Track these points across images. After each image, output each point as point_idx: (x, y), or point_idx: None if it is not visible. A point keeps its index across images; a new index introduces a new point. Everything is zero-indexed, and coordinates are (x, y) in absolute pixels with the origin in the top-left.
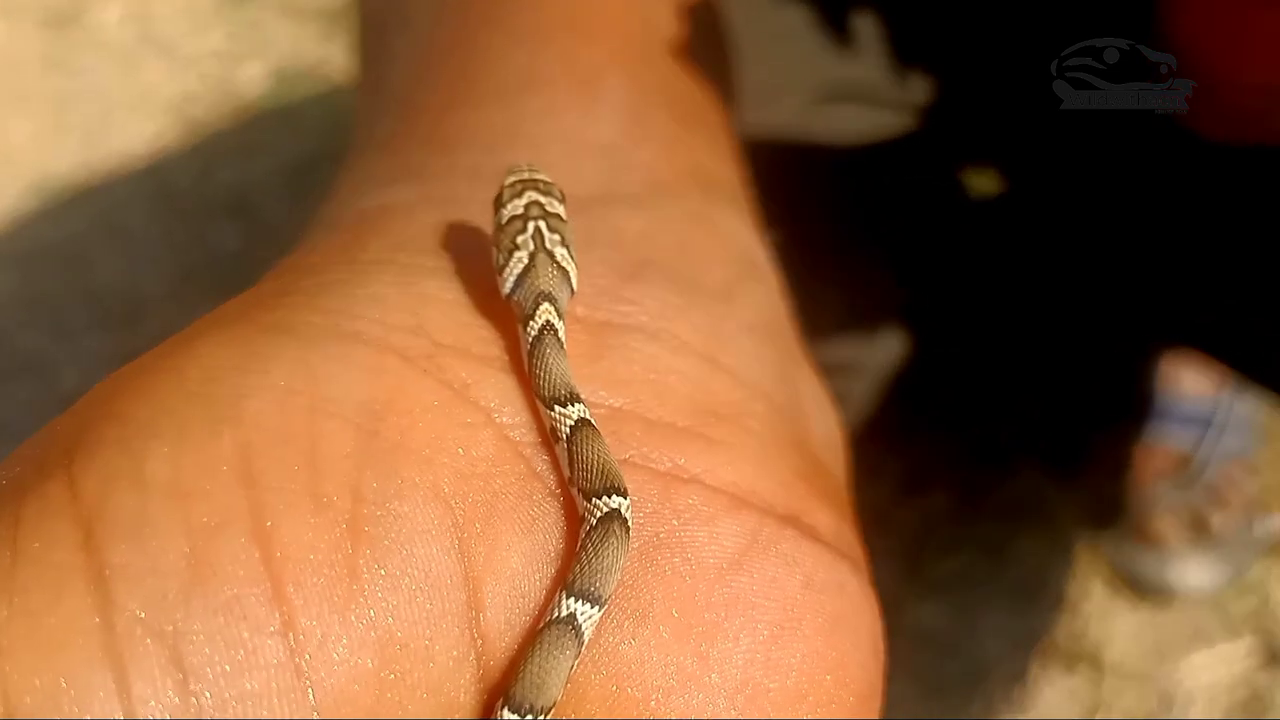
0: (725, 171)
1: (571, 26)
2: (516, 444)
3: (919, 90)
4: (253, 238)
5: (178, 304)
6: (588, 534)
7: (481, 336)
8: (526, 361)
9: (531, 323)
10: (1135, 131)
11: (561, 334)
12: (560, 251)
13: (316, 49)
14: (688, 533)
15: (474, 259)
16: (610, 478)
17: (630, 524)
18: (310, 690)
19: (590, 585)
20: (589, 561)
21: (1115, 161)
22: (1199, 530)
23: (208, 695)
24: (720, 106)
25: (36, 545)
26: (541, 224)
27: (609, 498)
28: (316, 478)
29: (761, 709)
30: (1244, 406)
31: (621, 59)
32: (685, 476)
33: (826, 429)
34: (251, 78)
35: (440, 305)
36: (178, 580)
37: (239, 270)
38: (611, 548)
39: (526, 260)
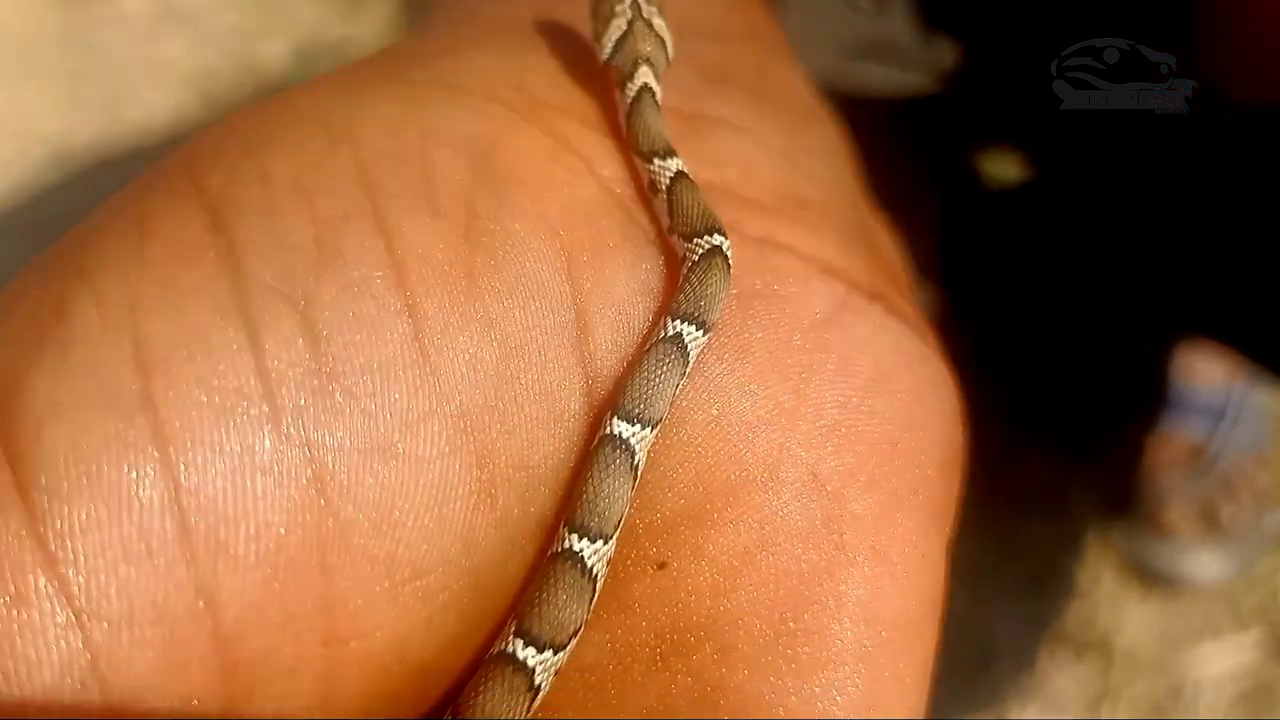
0: (782, 44)
1: None
2: (617, 195)
3: (946, 55)
4: None
5: None
6: (691, 267)
7: (580, 101)
8: (624, 120)
9: (630, 84)
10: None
11: (659, 96)
12: (658, 21)
13: (339, 28)
14: (783, 287)
15: (566, 42)
16: (710, 220)
17: (730, 261)
18: (434, 373)
19: (695, 310)
20: (693, 289)
21: (1145, 134)
22: (1210, 522)
23: (338, 360)
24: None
25: (164, 226)
26: None
27: (710, 236)
28: (432, 191)
29: (855, 449)
30: (1258, 398)
31: None
32: (777, 242)
33: (897, 257)
34: (273, 55)
35: (540, 73)
36: (306, 258)
37: None
38: (715, 278)
39: (625, 27)
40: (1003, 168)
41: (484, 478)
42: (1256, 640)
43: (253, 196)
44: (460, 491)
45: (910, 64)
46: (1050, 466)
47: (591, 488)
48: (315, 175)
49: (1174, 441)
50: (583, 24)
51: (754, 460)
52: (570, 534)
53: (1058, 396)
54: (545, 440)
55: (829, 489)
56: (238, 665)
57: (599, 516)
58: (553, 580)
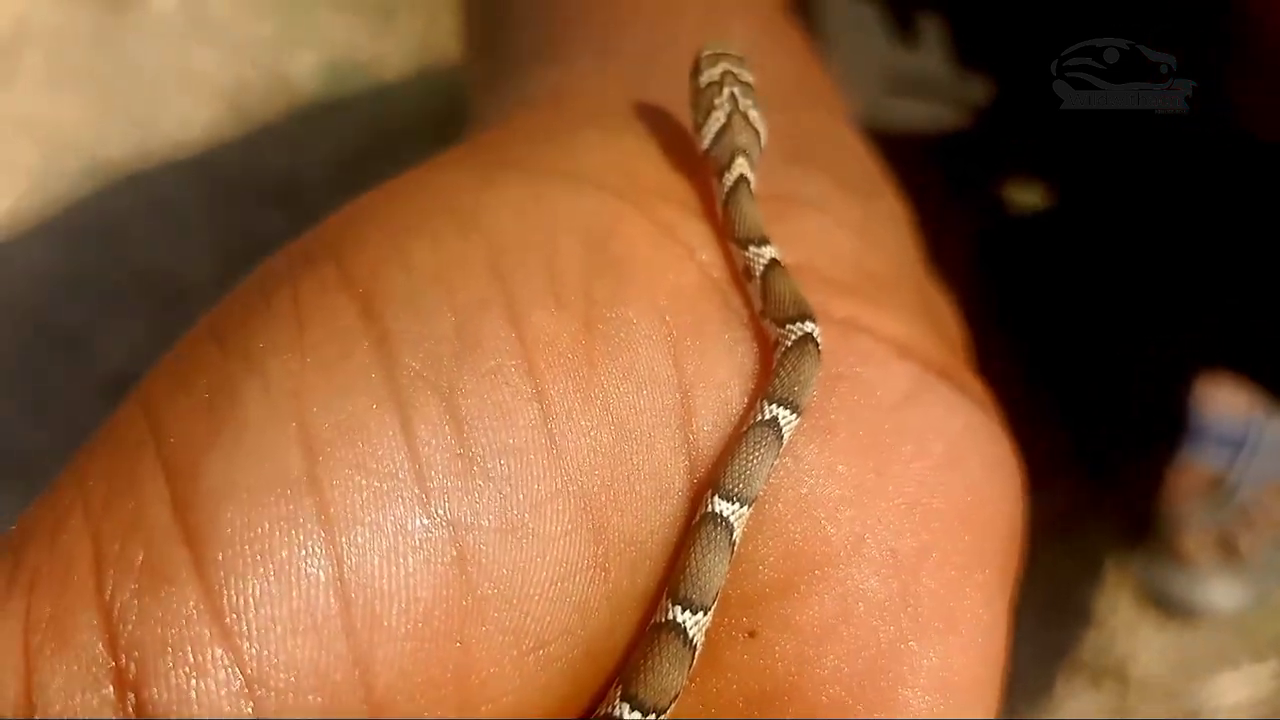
0: (837, 102)
1: None
2: (714, 280)
3: (979, 90)
4: (299, 226)
5: (221, 287)
6: (785, 352)
7: (679, 186)
8: (721, 208)
9: (728, 174)
10: (1191, 135)
11: (753, 185)
12: (753, 114)
13: (370, 44)
14: (865, 369)
15: (661, 126)
16: (801, 306)
17: (821, 347)
18: (559, 455)
19: (789, 394)
20: (788, 374)
21: (1169, 168)
22: (1228, 551)
23: (478, 444)
24: (821, 61)
25: (320, 314)
26: (736, 90)
27: (802, 323)
28: (554, 281)
29: (930, 526)
30: (1278, 429)
31: (743, 6)
32: (859, 325)
33: (957, 327)
34: (304, 70)
35: (642, 158)
36: (450, 347)
37: None
38: (808, 364)
39: (724, 119)
40: (1026, 195)
41: (599, 553)
42: (1274, 671)
43: (398, 286)
44: (579, 567)
45: (945, 99)
46: (1070, 494)
47: (693, 562)
48: (452, 265)
49: (1193, 471)
50: (671, 100)
51: (838, 536)
52: (673, 606)
53: (1078, 424)
54: (652, 516)
55: (906, 564)
56: None
57: (699, 590)
58: (656, 649)
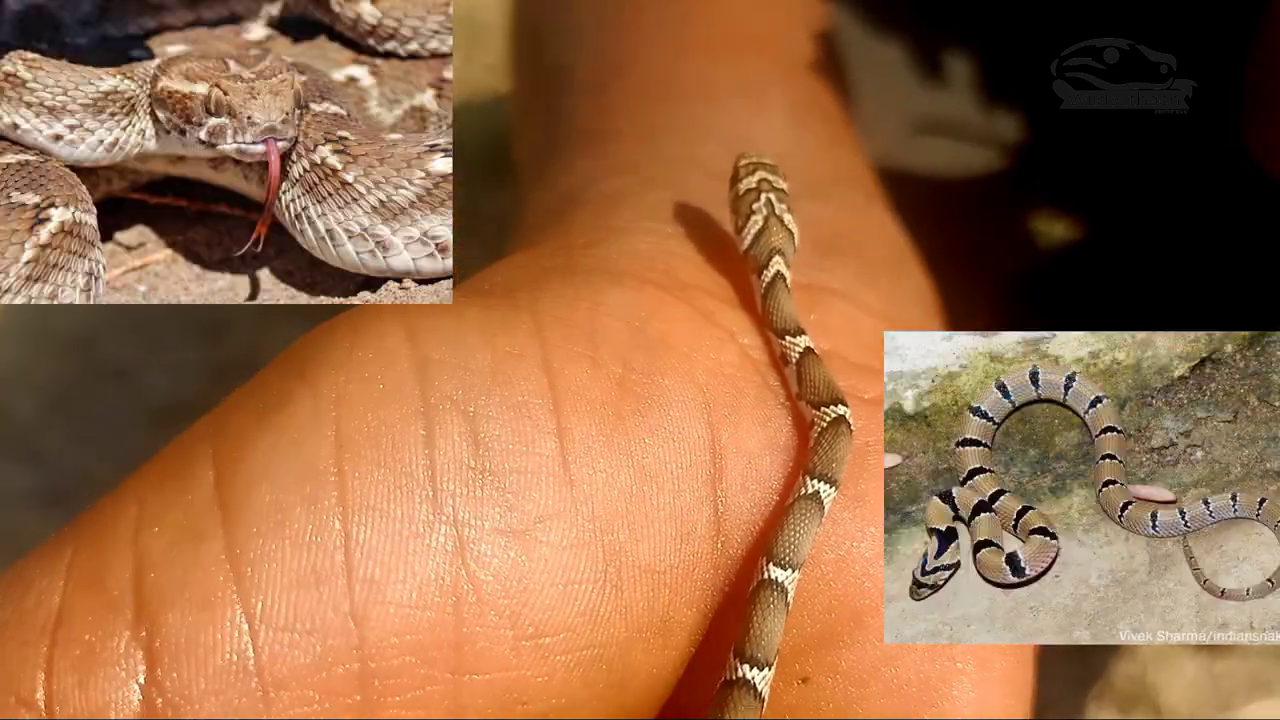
0: (867, 174)
1: (731, 43)
2: (754, 361)
3: (1008, 127)
4: None
5: (263, 318)
6: (821, 432)
7: (719, 281)
8: (760, 302)
9: (766, 271)
10: (1210, 168)
11: (789, 282)
12: (787, 217)
13: None
14: None
15: (699, 227)
16: (834, 391)
17: (853, 427)
18: (571, 482)
19: (828, 470)
20: (825, 452)
21: (1190, 199)
22: None
23: (493, 461)
24: (850, 120)
25: (369, 335)
26: (771, 195)
27: (835, 406)
28: (594, 349)
29: None
30: None
31: (777, 73)
32: (884, 404)
33: None
34: None
35: (683, 258)
36: (482, 379)
37: None
38: (842, 443)
39: (761, 223)
40: (1052, 227)
41: (610, 571)
42: None
43: (446, 327)
44: (585, 576)
45: (974, 138)
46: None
47: (756, 625)
48: (498, 322)
49: None
50: (708, 200)
51: (874, 589)
52: (742, 664)
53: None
54: (672, 553)
55: None
56: (374, 674)
57: (763, 649)
58: (730, 704)
